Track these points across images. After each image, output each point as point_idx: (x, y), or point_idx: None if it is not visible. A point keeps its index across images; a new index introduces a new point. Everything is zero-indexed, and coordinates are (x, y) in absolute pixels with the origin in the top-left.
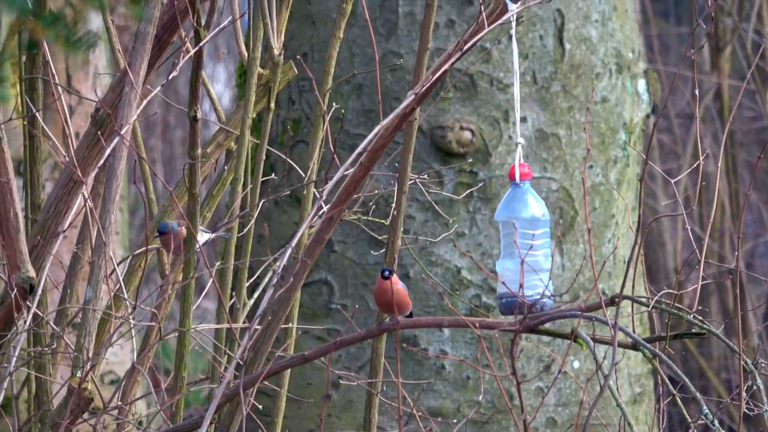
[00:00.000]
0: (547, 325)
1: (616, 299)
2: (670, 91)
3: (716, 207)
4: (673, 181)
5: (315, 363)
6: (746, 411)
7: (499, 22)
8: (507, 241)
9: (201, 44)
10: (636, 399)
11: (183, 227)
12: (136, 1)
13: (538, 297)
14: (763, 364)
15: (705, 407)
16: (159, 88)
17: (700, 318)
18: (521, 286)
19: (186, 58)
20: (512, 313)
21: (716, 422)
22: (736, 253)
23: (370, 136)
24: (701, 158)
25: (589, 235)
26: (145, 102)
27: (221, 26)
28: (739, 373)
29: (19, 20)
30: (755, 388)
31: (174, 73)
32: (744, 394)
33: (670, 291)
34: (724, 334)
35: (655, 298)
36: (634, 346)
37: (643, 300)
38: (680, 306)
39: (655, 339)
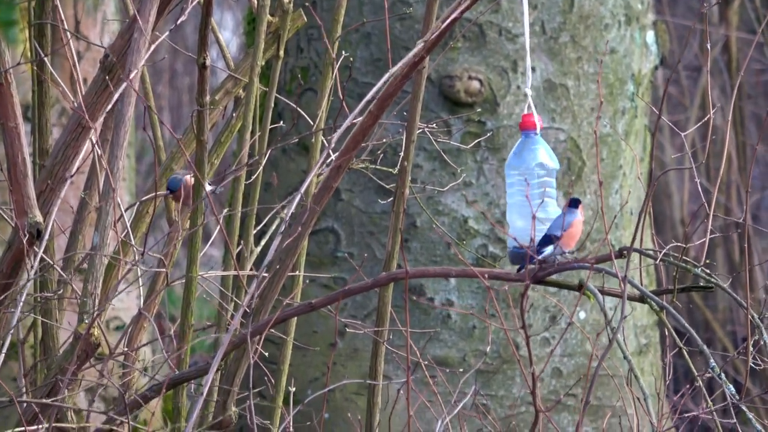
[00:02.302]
0: (555, 277)
1: (625, 252)
2: (682, 45)
3: (722, 158)
4: (683, 134)
5: (321, 311)
6: (753, 365)
7: None
8: (514, 191)
9: None
10: (642, 350)
11: (190, 176)
12: None
13: (550, 252)
14: None
15: (712, 360)
16: (167, 33)
17: (708, 272)
18: (532, 240)
19: (194, 2)
20: (522, 261)
21: (722, 375)
22: (744, 207)
23: (378, 84)
24: (711, 113)
25: (600, 187)
26: (152, 47)
27: None
28: (747, 327)
29: None
30: (762, 343)
31: (182, 18)
32: (751, 348)
33: (678, 244)
34: (730, 287)
35: (663, 251)
36: (642, 299)
37: (651, 253)
38: (687, 259)
39: (663, 292)
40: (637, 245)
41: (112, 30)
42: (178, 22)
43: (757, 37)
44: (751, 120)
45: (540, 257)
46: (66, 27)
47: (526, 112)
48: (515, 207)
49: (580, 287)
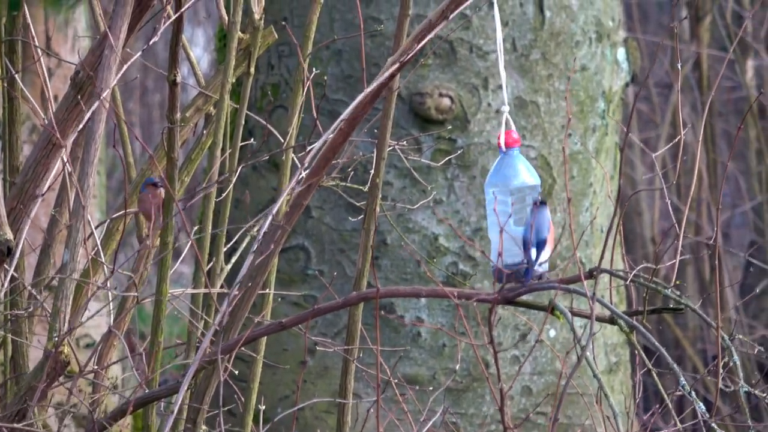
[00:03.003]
0: (525, 297)
1: (594, 272)
2: (651, 61)
3: (693, 175)
4: (654, 155)
5: (292, 330)
6: (723, 387)
7: None
8: (493, 211)
9: (182, 10)
10: (612, 368)
11: (162, 189)
12: None
13: (529, 266)
14: (739, 340)
15: (682, 378)
16: (139, 53)
17: (678, 293)
18: (499, 254)
19: (167, 23)
20: (507, 279)
21: (693, 393)
22: (715, 228)
23: (353, 104)
24: (682, 133)
25: (569, 204)
26: (125, 67)
27: None
28: (717, 349)
29: None
30: (732, 364)
31: (155, 39)
32: (721, 369)
33: (648, 265)
34: (700, 306)
35: (633, 272)
36: (612, 320)
37: (621, 274)
38: (658, 281)
39: (633, 314)
40: (606, 263)
41: (83, 46)
42: (151, 42)
43: (727, 56)
44: (723, 137)
45: (537, 266)
46: (37, 43)
47: (503, 129)
48: (496, 224)
49: (551, 308)
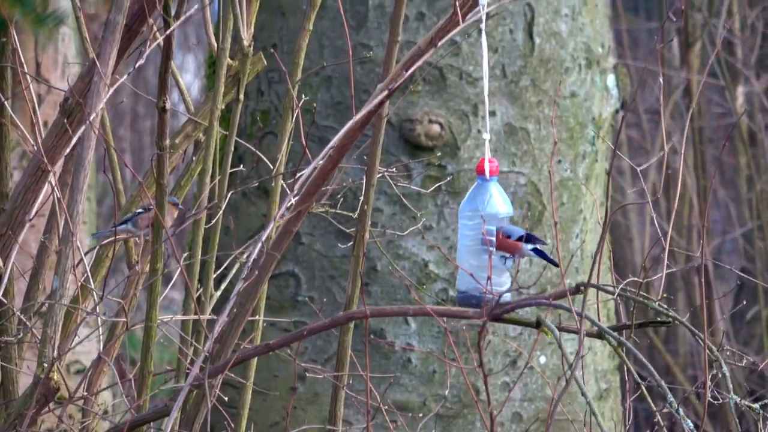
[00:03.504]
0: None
1: (582, 287)
2: (639, 87)
3: (684, 202)
4: (639, 168)
5: (281, 355)
6: (711, 400)
7: (473, 19)
8: (465, 236)
9: (168, 32)
10: (602, 395)
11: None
12: None
13: (506, 290)
14: (727, 352)
15: (670, 396)
16: (126, 76)
17: (665, 306)
18: (489, 279)
19: (152, 45)
20: (471, 306)
21: (681, 411)
22: (701, 242)
23: (342, 131)
24: (665, 149)
25: (555, 229)
26: (111, 90)
27: (188, 13)
28: (704, 360)
29: None
30: (720, 376)
31: (141, 62)
32: (708, 383)
33: (636, 279)
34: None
35: (620, 286)
36: (600, 335)
37: (609, 288)
38: (645, 294)
39: (621, 327)
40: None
41: (73, 73)
42: (137, 65)
43: (703, 77)
44: (713, 163)
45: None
46: (26, 70)
47: (484, 156)
48: (465, 250)
49: (538, 324)
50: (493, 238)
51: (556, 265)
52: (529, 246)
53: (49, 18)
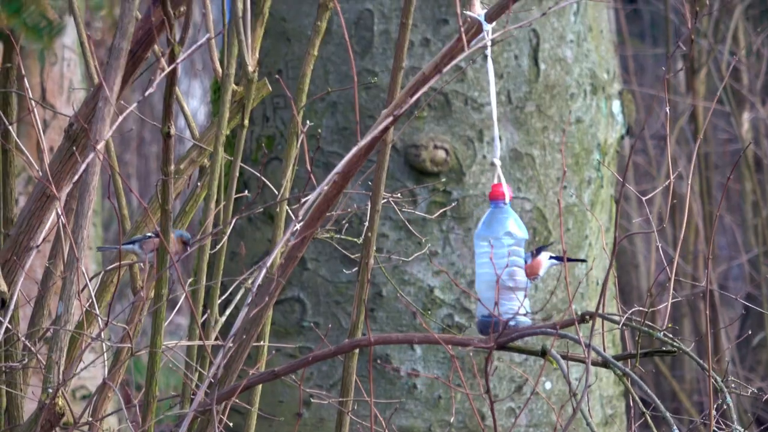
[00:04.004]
0: (519, 343)
1: (588, 317)
2: (646, 113)
3: (690, 228)
4: (644, 198)
5: (287, 381)
6: (716, 429)
7: (476, 42)
8: (483, 262)
9: (175, 63)
10: (607, 421)
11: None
12: None
13: (513, 315)
14: (732, 383)
15: (675, 428)
16: (134, 105)
17: (670, 336)
18: (496, 303)
19: (162, 76)
20: (489, 331)
21: None
22: (707, 268)
23: (347, 157)
24: (672, 175)
25: (564, 255)
26: (120, 119)
27: (197, 45)
28: (709, 390)
29: None
30: (725, 406)
31: (150, 90)
32: (714, 412)
33: (642, 309)
34: (695, 355)
35: (626, 315)
36: (605, 364)
37: (615, 317)
38: (651, 324)
39: (626, 357)
40: (602, 312)
41: (79, 98)
42: (146, 94)
43: (713, 104)
44: (719, 189)
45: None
46: (31, 95)
47: (495, 181)
48: (483, 277)
49: (544, 353)
50: (523, 260)
51: (583, 261)
52: (547, 254)
53: (49, 27)
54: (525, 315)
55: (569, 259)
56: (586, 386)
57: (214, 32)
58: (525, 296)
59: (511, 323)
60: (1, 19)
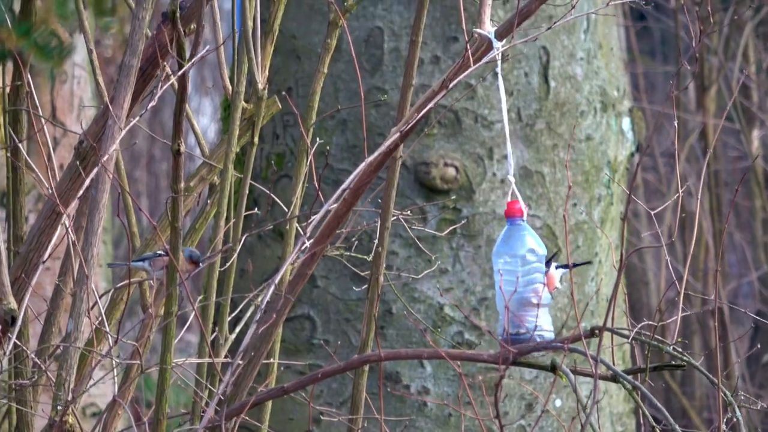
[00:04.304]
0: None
1: (596, 331)
2: (654, 130)
3: (700, 245)
4: (653, 212)
5: (297, 398)
6: None
7: (485, 60)
8: (506, 280)
9: (180, 71)
10: None
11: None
12: (103, 11)
13: (532, 333)
14: (742, 397)
15: None
16: (137, 117)
17: (680, 350)
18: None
19: (165, 86)
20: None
21: None
22: (716, 285)
23: (354, 173)
24: (681, 192)
25: (570, 272)
26: (123, 132)
27: (200, 55)
28: (719, 405)
29: None
30: (734, 420)
31: (152, 103)
32: (723, 427)
33: (651, 323)
34: (705, 369)
35: (635, 329)
36: (614, 378)
37: (624, 332)
38: (660, 338)
39: (635, 371)
40: (611, 327)
41: (89, 116)
42: (149, 106)
43: (721, 121)
44: (729, 206)
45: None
46: (41, 113)
47: (510, 199)
48: (508, 294)
49: (553, 368)
50: (544, 277)
51: (589, 263)
52: (556, 265)
53: (59, 50)
54: (550, 332)
55: (575, 264)
56: (594, 400)
57: (224, 50)
58: (548, 313)
59: (531, 340)
60: (11, 40)
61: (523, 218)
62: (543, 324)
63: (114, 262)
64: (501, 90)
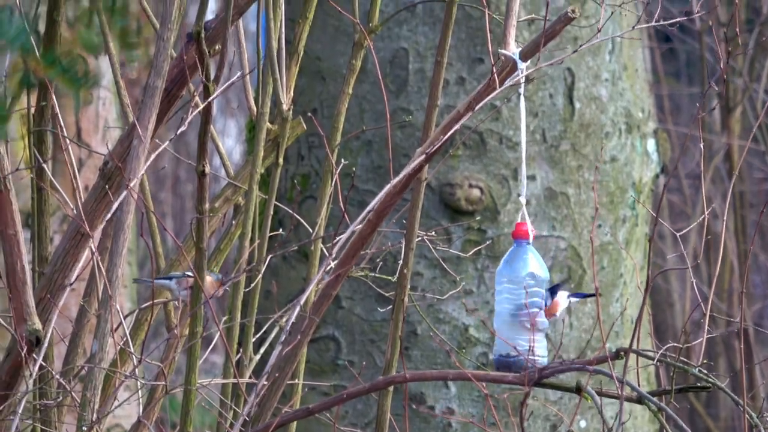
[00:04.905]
0: (553, 380)
1: (622, 353)
2: (681, 153)
3: (725, 266)
4: (679, 234)
5: (322, 419)
6: None
7: (511, 82)
8: (502, 299)
9: (208, 100)
10: None
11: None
12: (129, 45)
13: (533, 357)
14: (767, 418)
15: None
16: (167, 143)
17: (705, 372)
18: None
19: (194, 113)
20: (507, 370)
21: None
22: (741, 306)
23: (380, 195)
24: (706, 213)
25: (597, 294)
26: (153, 156)
27: (229, 82)
28: (744, 426)
29: (22, 59)
30: None
31: (182, 128)
32: None
33: (676, 344)
34: (730, 391)
35: (660, 351)
36: (640, 400)
37: (649, 353)
38: (685, 360)
39: (660, 393)
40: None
41: (114, 136)
42: (179, 132)
43: (747, 142)
44: (754, 228)
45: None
46: (66, 134)
47: (519, 220)
48: (502, 315)
49: (579, 390)
50: (543, 302)
51: (595, 296)
52: (564, 293)
53: (85, 79)
54: (543, 357)
55: (585, 295)
56: (620, 422)
57: (248, 71)
58: (546, 338)
59: (529, 365)
60: (39, 69)
61: (529, 241)
62: (537, 349)
63: (140, 278)
64: (522, 111)
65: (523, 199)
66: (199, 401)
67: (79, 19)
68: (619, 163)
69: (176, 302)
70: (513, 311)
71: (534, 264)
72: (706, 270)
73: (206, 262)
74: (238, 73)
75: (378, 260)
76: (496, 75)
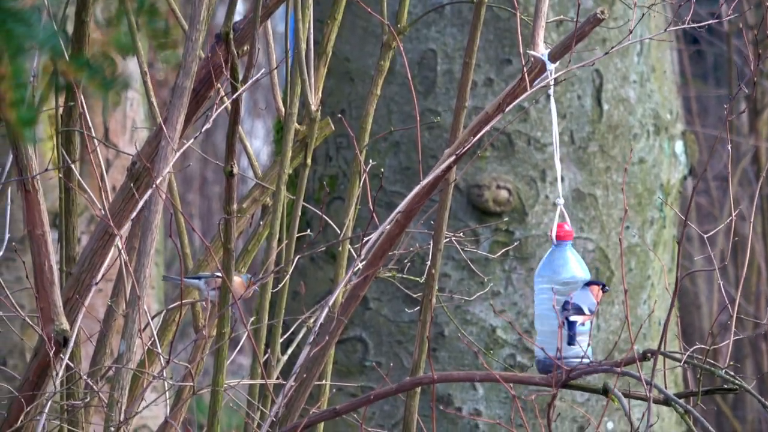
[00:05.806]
0: (581, 382)
1: (649, 354)
2: (710, 156)
3: (752, 269)
4: (706, 236)
5: (349, 420)
6: None
7: (540, 84)
8: (542, 301)
9: (234, 96)
10: None
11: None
12: (163, 45)
13: (577, 360)
14: None
15: None
16: (192, 140)
17: (732, 374)
18: (559, 349)
19: (219, 110)
20: (549, 372)
21: None
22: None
23: (410, 196)
24: (733, 215)
25: (626, 296)
26: (177, 154)
27: (255, 78)
28: None
29: (51, 61)
30: None
31: (207, 125)
32: None
33: (703, 347)
34: (757, 393)
35: (688, 353)
36: (666, 402)
37: (676, 355)
38: (712, 361)
39: (687, 395)
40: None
41: (141, 137)
42: (204, 129)
43: None
44: None
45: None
46: (94, 134)
47: (557, 221)
48: (543, 317)
49: (606, 391)
50: (587, 304)
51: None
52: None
53: (115, 82)
54: (588, 360)
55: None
56: (648, 425)
57: (277, 72)
58: (588, 343)
59: (573, 371)
60: (68, 73)
61: (572, 242)
62: (581, 350)
63: (169, 276)
64: (553, 112)
65: (560, 200)
66: (226, 402)
67: (115, 19)
68: (647, 164)
69: (204, 303)
70: (553, 312)
71: (576, 266)
72: (733, 272)
73: (234, 263)
74: (263, 69)
75: (406, 261)
76: (526, 76)
